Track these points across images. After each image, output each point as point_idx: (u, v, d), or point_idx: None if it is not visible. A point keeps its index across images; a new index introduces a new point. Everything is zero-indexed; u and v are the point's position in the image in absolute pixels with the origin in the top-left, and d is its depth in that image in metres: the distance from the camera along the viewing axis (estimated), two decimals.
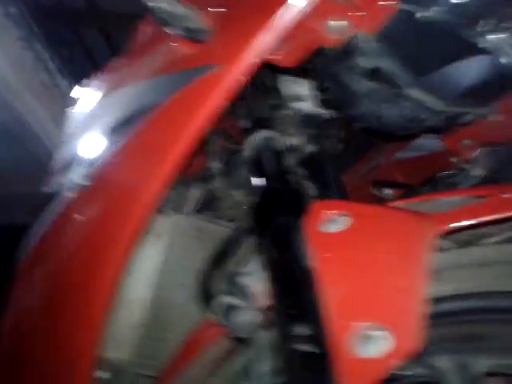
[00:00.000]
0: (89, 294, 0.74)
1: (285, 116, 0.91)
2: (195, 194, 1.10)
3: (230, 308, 0.65)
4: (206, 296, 0.71)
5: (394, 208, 0.62)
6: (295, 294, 0.58)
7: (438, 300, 0.61)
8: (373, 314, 0.51)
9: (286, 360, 0.55)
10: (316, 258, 0.58)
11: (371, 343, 0.50)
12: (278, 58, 0.70)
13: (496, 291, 0.59)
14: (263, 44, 0.61)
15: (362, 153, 1.29)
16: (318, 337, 0.52)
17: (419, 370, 0.65)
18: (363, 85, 0.72)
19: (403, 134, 0.87)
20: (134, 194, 0.69)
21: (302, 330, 0.54)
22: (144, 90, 0.75)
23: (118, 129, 0.77)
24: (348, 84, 0.73)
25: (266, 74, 0.93)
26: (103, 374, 0.97)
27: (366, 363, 0.48)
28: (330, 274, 0.56)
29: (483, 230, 0.61)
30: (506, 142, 0.89)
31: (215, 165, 0.94)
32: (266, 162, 0.78)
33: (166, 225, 0.97)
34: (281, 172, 0.77)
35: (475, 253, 0.60)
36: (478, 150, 0.93)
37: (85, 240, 0.78)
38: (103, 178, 0.77)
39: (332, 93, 0.79)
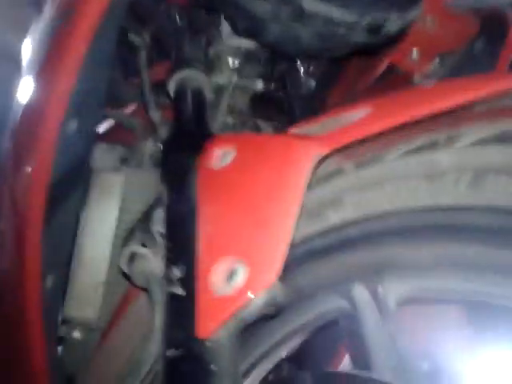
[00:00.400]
0: None
1: (216, 54, 0.86)
2: (153, 148, 1.07)
3: (133, 256, 0.62)
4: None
5: (279, 135, 0.57)
6: (176, 235, 0.55)
7: (341, 227, 0.57)
8: (236, 249, 0.48)
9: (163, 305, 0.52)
10: (197, 197, 0.55)
11: (233, 280, 0.46)
12: None
13: (399, 210, 0.54)
14: None
15: (336, 86, 1.23)
16: (187, 278, 0.49)
17: (338, 302, 0.61)
18: (262, 6, 0.67)
19: (336, 55, 0.80)
20: (40, 120, 0.68)
21: (176, 272, 0.51)
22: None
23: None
24: (248, 8, 0.68)
25: (198, 13, 0.89)
26: (76, 334, 0.99)
27: (221, 301, 0.45)
28: (205, 212, 0.53)
29: (386, 147, 0.56)
30: (455, 50, 0.80)
31: (156, 117, 0.91)
32: (182, 102, 0.74)
33: (117, 181, 0.95)
34: (196, 112, 0.73)
35: (374, 172, 0.55)
36: (432, 63, 0.85)
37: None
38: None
39: (240, 22, 0.73)
